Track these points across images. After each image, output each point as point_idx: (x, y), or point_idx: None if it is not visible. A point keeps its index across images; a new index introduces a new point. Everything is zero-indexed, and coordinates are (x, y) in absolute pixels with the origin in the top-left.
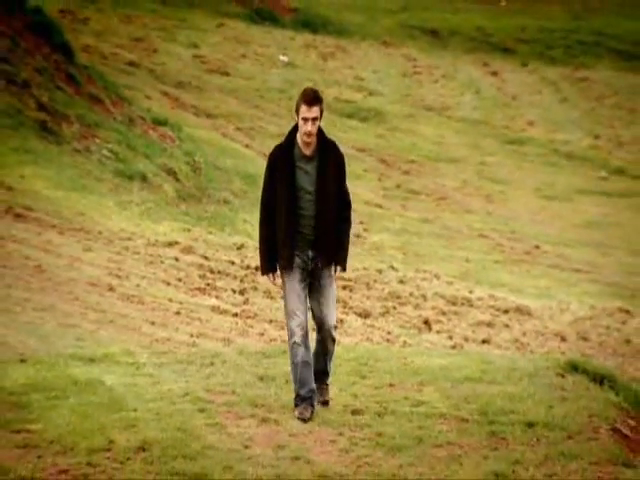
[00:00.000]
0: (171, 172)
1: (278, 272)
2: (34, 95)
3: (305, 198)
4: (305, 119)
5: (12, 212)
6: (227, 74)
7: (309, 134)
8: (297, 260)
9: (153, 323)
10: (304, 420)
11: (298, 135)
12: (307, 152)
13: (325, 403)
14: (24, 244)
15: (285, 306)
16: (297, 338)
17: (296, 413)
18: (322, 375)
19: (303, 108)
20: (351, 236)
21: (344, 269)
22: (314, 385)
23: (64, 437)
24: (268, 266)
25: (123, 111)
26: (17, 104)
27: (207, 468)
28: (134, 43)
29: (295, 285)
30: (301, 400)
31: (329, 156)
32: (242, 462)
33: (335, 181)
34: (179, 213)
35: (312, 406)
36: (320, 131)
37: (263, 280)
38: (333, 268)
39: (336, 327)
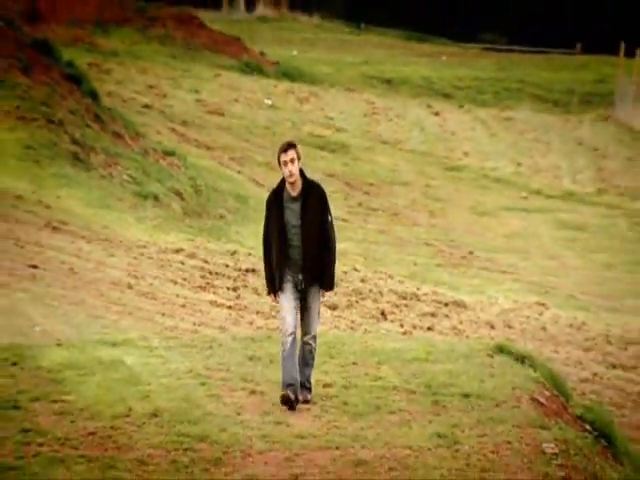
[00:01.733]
0: (178, 193)
1: (277, 293)
2: (68, 131)
3: (292, 231)
4: (285, 162)
5: (50, 225)
6: (222, 114)
7: (291, 174)
8: (289, 282)
9: (163, 314)
10: (288, 401)
11: (286, 182)
12: (293, 194)
13: (306, 402)
14: (60, 251)
15: (280, 318)
16: (286, 339)
17: (281, 394)
18: (304, 390)
19: (282, 155)
20: (336, 253)
21: (331, 289)
22: (297, 378)
23: (92, 406)
24: (271, 288)
25: (139, 144)
26: (54, 139)
27: (207, 430)
28: (148, 89)
29: (288, 303)
30: (285, 386)
31: (312, 195)
32: (235, 425)
33: (317, 215)
34: (184, 226)
35: (295, 394)
36: (303, 175)
37: (252, 280)
38: (320, 289)
39: (315, 337)
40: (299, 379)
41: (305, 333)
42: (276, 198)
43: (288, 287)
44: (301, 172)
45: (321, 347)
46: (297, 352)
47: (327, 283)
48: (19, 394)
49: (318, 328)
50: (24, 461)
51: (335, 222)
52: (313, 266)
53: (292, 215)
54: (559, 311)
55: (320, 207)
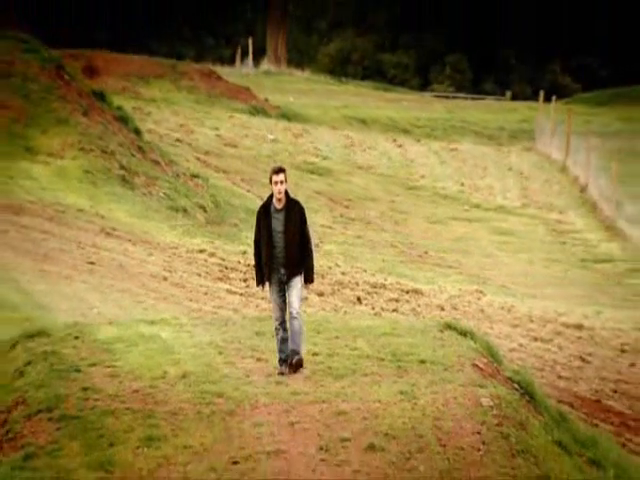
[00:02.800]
0: (201, 207)
1: (266, 285)
2: (117, 160)
3: (277, 236)
4: (276, 182)
5: (104, 231)
6: (236, 146)
7: (279, 192)
8: (275, 278)
9: (190, 300)
10: (282, 374)
11: (273, 198)
12: (279, 207)
13: (298, 365)
14: (111, 251)
15: (272, 304)
16: (277, 325)
17: (277, 370)
18: (293, 353)
19: (274, 176)
20: (314, 254)
21: (312, 282)
22: (289, 351)
23: (135, 370)
24: (259, 280)
25: (172, 169)
26: (107, 165)
27: (223, 389)
28: (179, 127)
29: (275, 293)
30: (280, 361)
31: (293, 209)
32: (245, 385)
33: (297, 225)
34: (206, 232)
35: (286, 363)
36: (287, 194)
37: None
38: (302, 281)
39: (298, 313)
40: (290, 348)
41: (290, 311)
42: (265, 210)
43: (275, 283)
44: (285, 191)
45: (310, 325)
46: (287, 332)
47: (308, 277)
48: (80, 361)
49: (300, 306)
50: (84, 412)
51: (321, 229)
52: (293, 263)
53: (277, 223)
54: (493, 297)
55: (300, 218)
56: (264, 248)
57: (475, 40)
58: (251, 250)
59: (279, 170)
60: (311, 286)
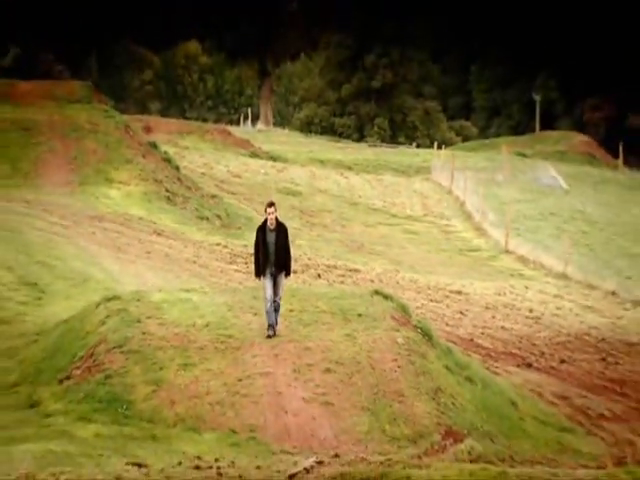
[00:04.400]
0: (218, 217)
1: (261, 277)
2: (164, 186)
3: (270, 247)
4: (269, 213)
5: (156, 232)
6: (240, 177)
7: (272, 220)
8: (268, 272)
9: (211, 276)
10: (269, 337)
11: (267, 222)
12: (272, 228)
13: (273, 334)
14: (160, 245)
15: (264, 292)
16: (267, 306)
17: (266, 333)
18: (276, 325)
19: (267, 209)
20: (292, 258)
21: (289, 274)
22: (274, 321)
23: (176, 321)
24: (257, 274)
25: (199, 192)
26: (158, 189)
27: (233, 333)
28: (203, 165)
29: (268, 283)
30: (268, 326)
31: (281, 230)
32: (246, 330)
33: (283, 240)
34: (221, 232)
35: (273, 329)
36: (277, 219)
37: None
38: (284, 275)
39: (280, 298)
40: (274, 320)
41: (275, 296)
42: (262, 229)
43: (267, 276)
44: (276, 217)
45: (288, 292)
46: (273, 307)
47: (288, 272)
48: (140, 315)
49: (283, 293)
50: (143, 348)
51: (294, 231)
52: (280, 263)
53: (271, 238)
54: (405, 274)
55: (284, 235)
56: (261, 254)
57: (393, 111)
58: (250, 244)
59: (271, 204)
60: (289, 278)
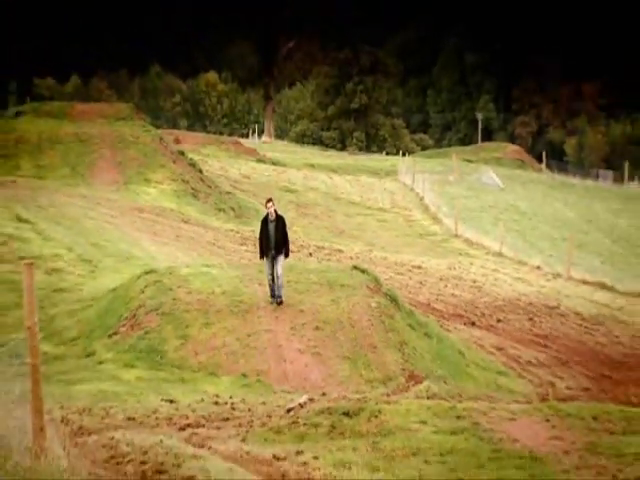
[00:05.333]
0: (232, 209)
1: (264, 258)
2: (190, 185)
3: (271, 235)
4: (268, 207)
5: (183, 221)
6: (249, 178)
7: (271, 212)
8: (269, 254)
9: (227, 255)
10: (278, 304)
11: (269, 215)
12: (272, 219)
13: (280, 303)
14: (187, 230)
15: (266, 270)
16: (269, 278)
17: (270, 300)
18: (279, 297)
19: (267, 204)
20: (290, 242)
21: (288, 256)
22: (275, 293)
23: (199, 289)
24: (261, 256)
25: (217, 189)
26: (185, 188)
27: (243, 299)
28: (220, 168)
29: (269, 263)
30: (271, 296)
31: (280, 220)
32: (255, 298)
33: (281, 229)
34: (234, 221)
35: (278, 298)
36: (276, 211)
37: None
38: (283, 256)
39: (281, 274)
40: (277, 294)
41: (277, 275)
42: (265, 221)
43: (268, 258)
44: (275, 210)
45: (286, 267)
46: (274, 283)
47: (287, 254)
48: (171, 284)
49: (282, 271)
50: (173, 310)
51: (291, 220)
52: (279, 248)
53: (272, 228)
54: (377, 253)
55: (283, 225)
56: (264, 240)
57: (367, 126)
58: (257, 230)
59: (269, 200)
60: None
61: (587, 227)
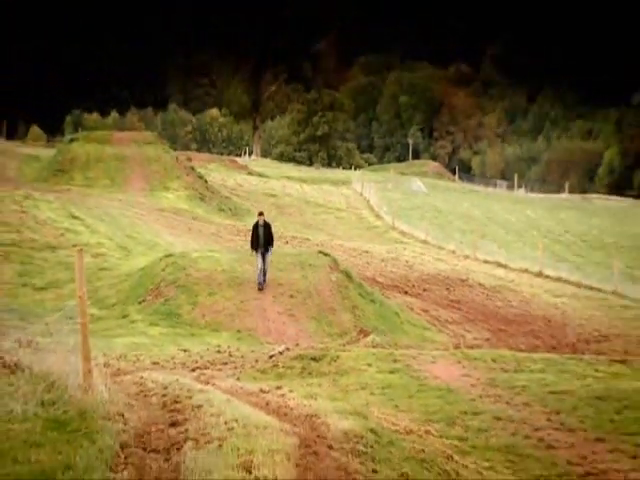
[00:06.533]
0: (230, 209)
1: (255, 253)
2: (198, 191)
3: (260, 236)
4: (259, 217)
5: (193, 218)
6: (242, 186)
7: (261, 221)
8: (259, 250)
9: (226, 242)
10: (259, 290)
11: (259, 221)
12: (261, 224)
13: (262, 289)
14: (197, 225)
15: (256, 263)
16: (258, 272)
17: (257, 286)
18: (264, 282)
19: (258, 215)
20: (274, 240)
21: (272, 247)
22: (262, 281)
23: (205, 268)
24: (252, 250)
25: (219, 195)
26: (195, 194)
27: (238, 276)
28: (221, 179)
29: (258, 258)
30: (258, 283)
31: (267, 226)
32: (246, 274)
33: (268, 231)
34: (232, 218)
35: (261, 285)
36: (264, 220)
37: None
38: (269, 253)
39: (268, 266)
40: (260, 281)
41: (265, 268)
42: (256, 226)
43: (259, 253)
44: (264, 219)
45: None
46: (262, 273)
47: (271, 251)
48: (184, 264)
49: (269, 262)
50: (186, 283)
51: (272, 217)
52: (266, 246)
53: (261, 231)
54: (336, 242)
55: (269, 229)
56: (255, 240)
57: (329, 149)
58: (248, 225)
59: (261, 213)
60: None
61: (487, 222)
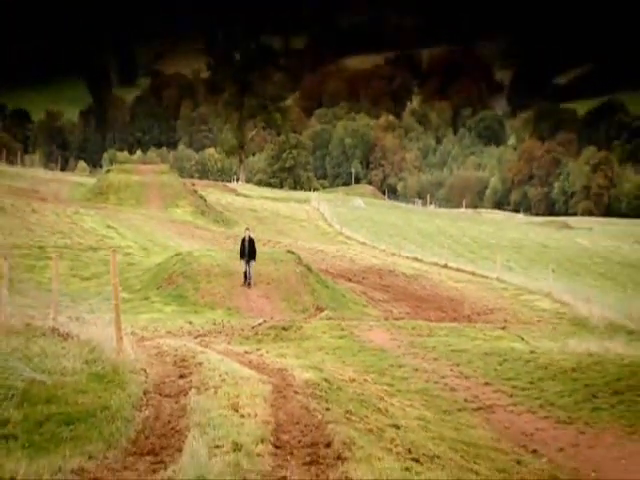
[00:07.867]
0: (222, 220)
1: (242, 261)
2: (199, 208)
3: (246, 249)
4: (246, 232)
5: (196, 227)
6: (233, 204)
7: (248, 236)
8: (244, 259)
9: (220, 244)
10: (244, 285)
11: (245, 236)
12: (247, 239)
13: (249, 285)
14: (198, 232)
15: (242, 267)
16: (244, 272)
17: (242, 284)
18: (250, 282)
19: (245, 231)
20: (256, 251)
21: (254, 261)
22: (247, 281)
23: (205, 263)
24: (240, 259)
25: (214, 211)
26: (196, 210)
27: (230, 269)
28: (216, 199)
29: (244, 264)
30: (244, 282)
31: (251, 240)
32: (236, 268)
33: (252, 245)
34: (224, 227)
35: (248, 284)
36: (249, 235)
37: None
38: (253, 262)
39: (252, 270)
40: (248, 282)
41: (249, 272)
42: (242, 241)
43: (244, 261)
44: (249, 235)
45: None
46: (247, 274)
47: (254, 260)
48: (190, 260)
49: (252, 269)
50: (193, 272)
51: (253, 227)
52: (251, 256)
53: (247, 244)
54: (301, 243)
55: (253, 243)
56: (242, 251)
57: (294, 176)
58: (237, 233)
59: (247, 229)
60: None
61: (408, 229)
